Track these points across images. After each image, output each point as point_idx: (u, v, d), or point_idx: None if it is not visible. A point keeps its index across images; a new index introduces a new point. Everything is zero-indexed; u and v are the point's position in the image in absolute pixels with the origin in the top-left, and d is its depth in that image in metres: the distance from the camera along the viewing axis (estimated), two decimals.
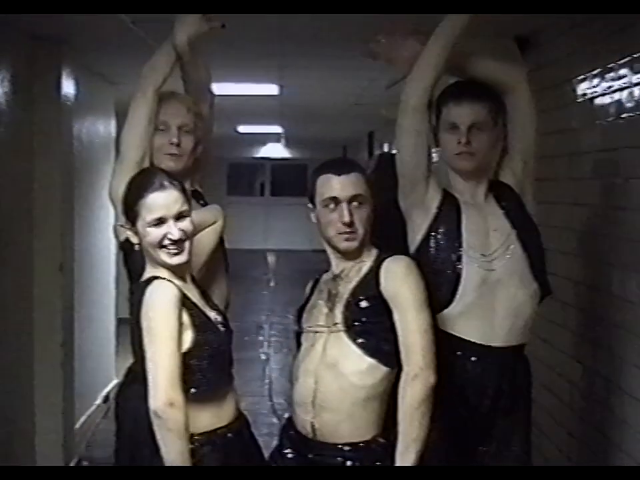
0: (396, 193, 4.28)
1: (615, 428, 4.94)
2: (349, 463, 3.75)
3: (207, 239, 4.21)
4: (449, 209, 4.25)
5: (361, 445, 3.77)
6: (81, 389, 8.14)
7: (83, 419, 8.45)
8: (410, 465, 3.64)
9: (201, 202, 4.43)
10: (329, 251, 3.95)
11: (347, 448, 3.77)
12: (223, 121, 7.65)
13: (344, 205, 3.79)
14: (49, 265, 7.20)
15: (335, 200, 3.80)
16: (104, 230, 9.44)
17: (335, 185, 3.81)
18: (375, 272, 3.83)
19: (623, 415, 4.86)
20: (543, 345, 6.10)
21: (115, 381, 9.60)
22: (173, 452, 3.43)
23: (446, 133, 4.19)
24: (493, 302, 4.09)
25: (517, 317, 4.11)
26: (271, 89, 7.59)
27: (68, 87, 7.43)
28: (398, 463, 3.67)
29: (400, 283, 3.79)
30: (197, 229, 3.99)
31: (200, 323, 3.59)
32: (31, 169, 7.04)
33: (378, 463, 3.74)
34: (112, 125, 10.03)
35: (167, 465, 3.45)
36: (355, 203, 3.80)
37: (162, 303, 3.49)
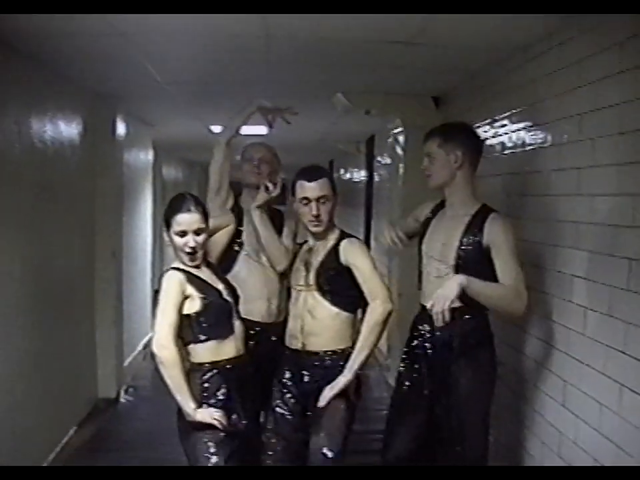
0: None
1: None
2: (328, 362, 3.95)
3: (221, 237, 4.36)
4: None
5: (337, 351, 3.97)
6: (128, 339, 8.22)
7: (129, 359, 8.48)
8: (356, 371, 3.87)
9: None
10: (306, 231, 4.10)
11: (329, 353, 3.98)
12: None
13: (313, 203, 3.95)
14: (105, 252, 7.27)
15: (307, 199, 3.95)
16: (143, 228, 9.52)
17: (307, 189, 3.95)
18: (336, 248, 3.99)
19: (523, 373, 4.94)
20: None
21: (150, 334, 9.67)
22: (168, 377, 3.59)
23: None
24: None
25: None
26: (260, 130, 7.60)
27: (120, 128, 7.46)
28: (354, 357, 3.88)
29: (355, 254, 3.96)
30: (216, 230, 4.20)
31: (207, 293, 3.70)
32: (93, 186, 7.09)
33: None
34: (150, 155, 9.98)
35: (168, 387, 3.61)
36: (321, 200, 3.95)
37: (167, 283, 3.65)
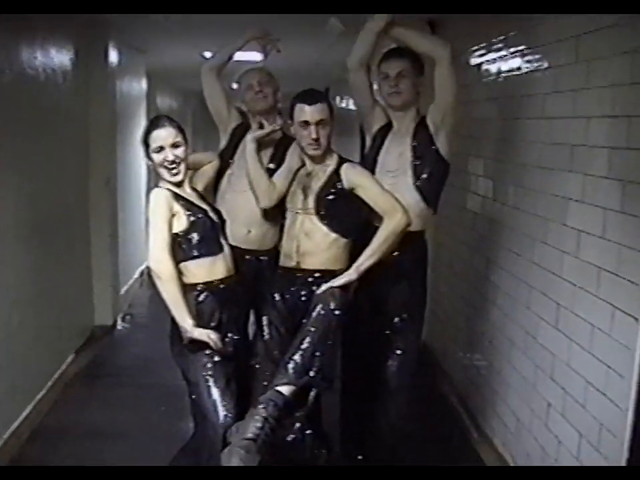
0: None
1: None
2: (321, 281, 3.89)
3: (207, 170, 4.35)
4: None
5: (330, 271, 3.93)
6: (124, 266, 8.28)
7: (125, 287, 8.56)
8: (361, 273, 3.87)
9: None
10: (304, 155, 4.05)
11: (323, 271, 3.95)
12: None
13: (312, 127, 3.89)
14: (99, 180, 7.30)
15: (306, 122, 3.90)
16: (136, 157, 9.45)
17: (306, 112, 3.89)
18: (337, 172, 3.96)
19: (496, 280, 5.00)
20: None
21: (146, 262, 9.69)
22: (164, 291, 3.63)
23: (381, 80, 4.23)
24: None
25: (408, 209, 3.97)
26: (255, 56, 7.54)
27: (113, 56, 7.44)
28: (362, 259, 3.88)
29: (358, 175, 3.96)
30: (201, 164, 4.29)
31: (193, 210, 3.74)
32: (86, 114, 7.06)
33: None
34: (143, 83, 9.92)
35: (166, 302, 3.64)
36: (320, 124, 3.90)
37: (155, 200, 3.67)
